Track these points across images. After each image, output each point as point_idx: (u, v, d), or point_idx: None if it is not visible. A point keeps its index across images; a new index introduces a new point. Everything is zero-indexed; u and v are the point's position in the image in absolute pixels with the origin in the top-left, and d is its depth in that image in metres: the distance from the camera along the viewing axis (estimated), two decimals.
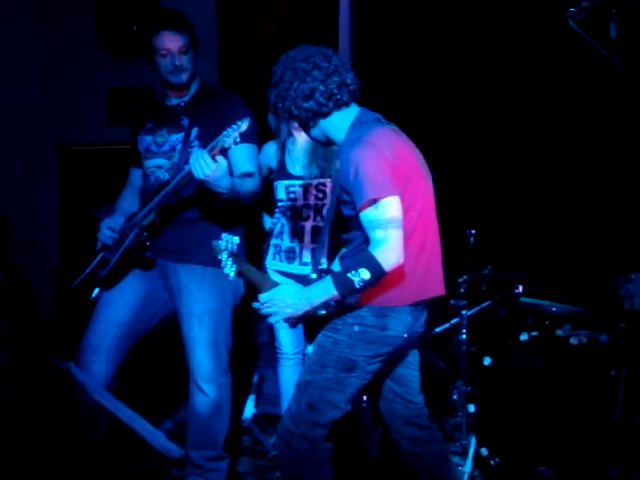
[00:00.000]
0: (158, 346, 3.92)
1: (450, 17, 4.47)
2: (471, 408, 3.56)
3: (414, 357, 2.87)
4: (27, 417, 4.19)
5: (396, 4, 4.58)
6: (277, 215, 3.73)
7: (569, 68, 4.17)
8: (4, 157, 5.44)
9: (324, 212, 3.60)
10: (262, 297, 2.60)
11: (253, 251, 3.66)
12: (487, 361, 3.54)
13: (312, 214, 3.63)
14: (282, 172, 3.69)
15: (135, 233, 3.21)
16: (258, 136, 3.29)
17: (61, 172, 5.66)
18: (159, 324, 3.44)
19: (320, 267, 2.74)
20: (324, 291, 2.52)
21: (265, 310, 2.58)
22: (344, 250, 2.84)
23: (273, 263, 3.73)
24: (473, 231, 3.89)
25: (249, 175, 3.14)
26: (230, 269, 2.60)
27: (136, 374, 3.50)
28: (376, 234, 2.47)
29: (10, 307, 4.38)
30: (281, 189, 3.69)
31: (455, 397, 3.90)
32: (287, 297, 2.56)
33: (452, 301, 3.90)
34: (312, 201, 3.63)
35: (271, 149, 3.72)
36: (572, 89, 4.20)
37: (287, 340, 3.74)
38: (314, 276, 2.69)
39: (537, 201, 4.34)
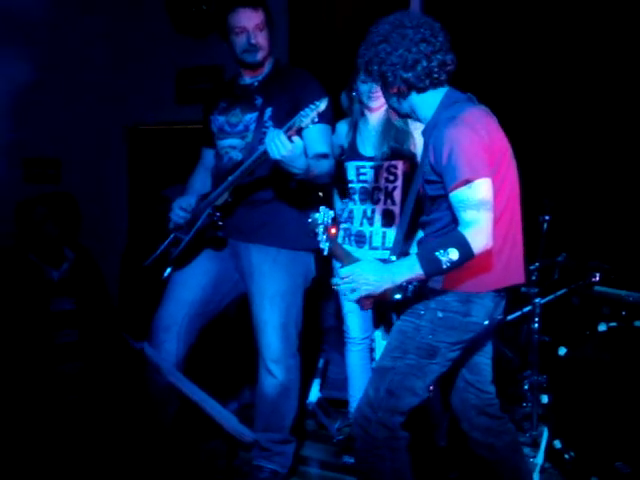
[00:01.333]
0: (225, 328, 3.91)
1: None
2: (544, 399, 3.46)
3: (488, 345, 2.81)
4: (94, 395, 4.24)
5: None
6: (347, 198, 3.69)
7: None
8: (74, 136, 5.50)
9: (395, 195, 3.55)
10: (343, 271, 2.51)
11: None
12: (562, 351, 3.43)
13: (382, 197, 3.57)
14: (353, 152, 3.63)
15: (208, 213, 3.19)
16: (333, 117, 3.24)
17: (129, 152, 5.69)
18: (230, 305, 3.43)
19: (400, 250, 2.66)
20: (409, 269, 2.43)
21: (344, 285, 2.50)
22: (421, 233, 2.78)
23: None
24: (547, 217, 3.79)
25: (324, 156, 3.10)
26: (325, 243, 2.55)
27: (203, 355, 3.49)
28: (467, 215, 2.40)
29: (79, 286, 4.42)
30: (352, 170, 3.63)
31: (526, 387, 3.81)
32: (369, 273, 2.46)
33: (523, 289, 3.77)
34: (383, 183, 3.56)
35: (342, 129, 3.66)
36: None
37: (355, 324, 3.69)
38: (394, 258, 2.61)
39: (613, 186, 4.20)
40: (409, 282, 2.51)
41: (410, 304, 2.58)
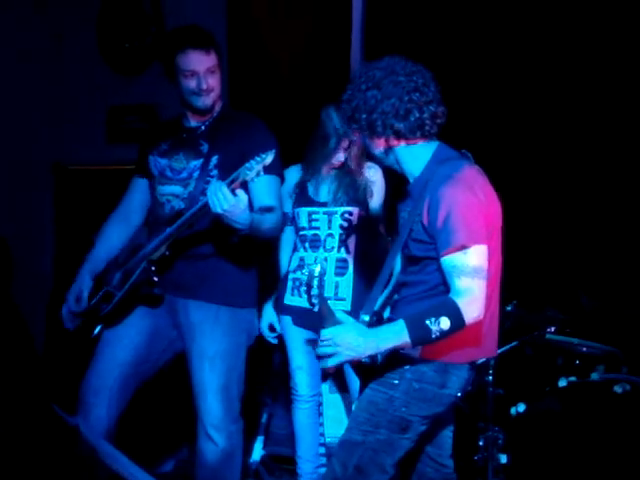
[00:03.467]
0: (158, 381, 3.68)
1: (467, 43, 4.26)
2: (503, 459, 3.30)
3: (451, 417, 2.64)
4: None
5: (408, 36, 4.37)
6: (298, 245, 3.50)
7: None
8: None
9: (349, 243, 3.40)
10: (324, 333, 2.30)
11: (265, 286, 3.44)
12: (521, 408, 3.29)
13: (336, 245, 3.40)
14: (305, 198, 3.46)
15: (143, 267, 2.95)
16: (282, 167, 3.05)
17: (57, 192, 5.44)
18: (167, 363, 3.19)
19: (374, 310, 2.47)
20: (395, 335, 2.25)
21: (324, 349, 2.29)
22: (396, 296, 2.59)
23: (291, 299, 3.49)
24: None
25: (270, 209, 2.90)
26: (316, 298, 2.34)
27: (138, 411, 3.25)
28: (461, 282, 2.24)
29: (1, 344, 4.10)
30: (303, 216, 3.46)
31: (481, 443, 3.65)
32: (353, 337, 2.26)
33: None
34: (337, 231, 3.40)
35: (293, 176, 3.49)
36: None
37: (304, 381, 3.50)
38: (366, 318, 2.41)
39: (563, 232, 4.12)
40: (395, 349, 2.32)
41: (380, 372, 2.39)
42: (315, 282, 2.34)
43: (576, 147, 4.08)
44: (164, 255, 2.96)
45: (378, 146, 2.45)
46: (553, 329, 3.51)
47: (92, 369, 3.05)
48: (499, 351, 3.66)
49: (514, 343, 3.72)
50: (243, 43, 4.56)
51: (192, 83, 2.97)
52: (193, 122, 3.09)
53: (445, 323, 2.21)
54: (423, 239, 2.36)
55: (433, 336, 2.22)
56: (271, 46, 4.58)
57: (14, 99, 5.22)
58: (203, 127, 3.08)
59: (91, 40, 5.26)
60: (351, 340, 2.26)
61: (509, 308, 3.68)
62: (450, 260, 2.27)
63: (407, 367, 2.37)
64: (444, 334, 2.22)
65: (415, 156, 2.43)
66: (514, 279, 3.80)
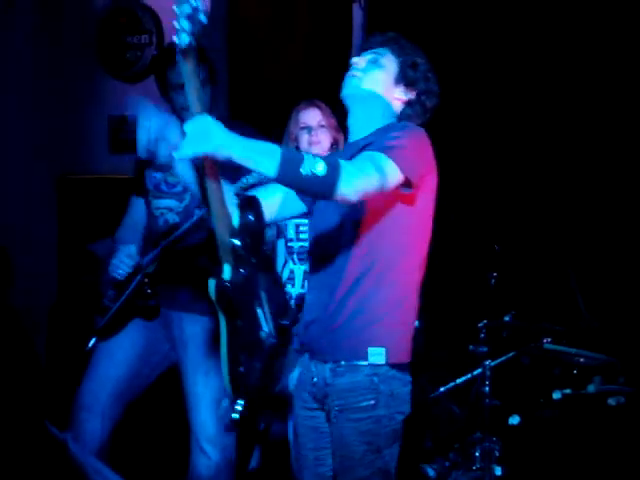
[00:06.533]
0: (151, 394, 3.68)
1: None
2: (498, 471, 3.30)
3: None
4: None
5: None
6: (287, 258, 3.49)
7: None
8: (1, 185, 5.24)
9: None
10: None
11: None
12: (515, 420, 3.29)
13: None
14: None
15: (138, 280, 2.98)
16: None
17: (59, 203, 5.44)
18: (159, 376, 3.23)
19: None
20: (259, 148, 2.03)
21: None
22: None
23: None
24: (494, 274, 3.67)
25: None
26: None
27: (129, 427, 3.27)
28: (363, 164, 2.12)
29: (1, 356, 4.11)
30: (291, 228, 3.45)
31: (477, 454, 3.65)
32: (212, 126, 2.00)
33: (471, 347, 3.67)
34: None
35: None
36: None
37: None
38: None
39: (561, 242, 4.11)
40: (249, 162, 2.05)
41: (343, 403, 2.28)
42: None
43: (580, 162, 4.08)
44: (159, 268, 2.99)
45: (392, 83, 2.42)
46: (550, 340, 3.50)
47: (85, 384, 3.09)
48: (496, 362, 3.68)
49: (511, 354, 3.72)
50: (242, 57, 4.58)
51: (181, 97, 2.99)
52: None
53: (320, 167, 2.01)
54: None
55: (303, 172, 2.00)
56: (270, 60, 4.59)
57: (16, 110, 5.26)
58: None
59: (91, 48, 5.29)
60: (211, 127, 2.00)
61: (507, 318, 3.68)
62: (371, 153, 2.16)
63: (375, 380, 2.27)
64: (312, 178, 2.00)
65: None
66: (512, 289, 3.85)
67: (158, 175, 3.13)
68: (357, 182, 2.08)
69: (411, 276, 2.35)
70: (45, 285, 5.36)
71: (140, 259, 3.06)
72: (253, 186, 2.62)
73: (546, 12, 4.13)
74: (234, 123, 3.21)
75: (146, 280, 2.99)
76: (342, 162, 2.09)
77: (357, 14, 4.61)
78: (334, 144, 3.36)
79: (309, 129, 3.32)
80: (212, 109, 3.08)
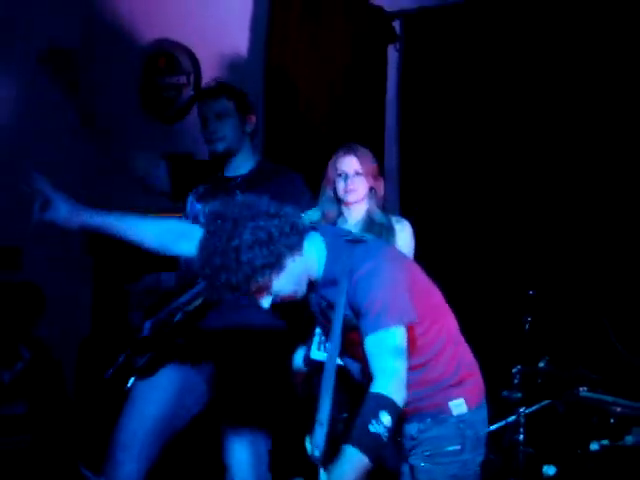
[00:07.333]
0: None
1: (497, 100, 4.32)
2: None
3: None
4: None
5: (443, 91, 4.45)
6: None
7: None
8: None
9: None
10: None
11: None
12: (551, 470, 3.24)
13: None
14: None
15: (179, 319, 3.00)
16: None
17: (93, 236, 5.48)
18: (195, 416, 3.21)
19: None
20: (350, 465, 2.05)
21: None
22: None
23: (318, 354, 3.47)
24: (529, 318, 3.66)
25: None
26: None
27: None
28: (385, 363, 2.13)
29: (34, 388, 4.13)
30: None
31: None
32: None
33: (505, 393, 3.63)
34: None
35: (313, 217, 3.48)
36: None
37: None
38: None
39: (595, 287, 4.08)
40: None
41: (431, 448, 2.33)
42: None
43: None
44: (199, 305, 3.01)
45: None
46: (586, 388, 3.46)
47: (122, 424, 3.07)
48: (531, 409, 3.64)
49: (546, 401, 3.68)
50: (279, 97, 4.63)
51: (205, 129, 3.14)
52: (230, 171, 3.16)
53: (386, 418, 2.05)
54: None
55: (385, 440, 2.05)
56: (306, 98, 4.63)
57: (53, 144, 5.34)
58: (239, 179, 3.15)
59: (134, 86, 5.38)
60: None
61: (541, 364, 3.65)
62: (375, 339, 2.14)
63: (461, 426, 2.32)
64: (391, 430, 2.07)
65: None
66: (546, 334, 3.82)
67: (198, 205, 3.17)
68: (399, 385, 2.11)
69: (440, 338, 2.37)
70: (79, 321, 5.40)
71: (172, 298, 3.08)
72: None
73: (546, 14, 4.16)
74: (280, 168, 3.29)
75: (186, 319, 3.00)
76: (382, 393, 2.09)
77: (392, 56, 4.67)
78: (372, 190, 3.37)
79: (345, 176, 3.34)
80: (241, 145, 3.18)
